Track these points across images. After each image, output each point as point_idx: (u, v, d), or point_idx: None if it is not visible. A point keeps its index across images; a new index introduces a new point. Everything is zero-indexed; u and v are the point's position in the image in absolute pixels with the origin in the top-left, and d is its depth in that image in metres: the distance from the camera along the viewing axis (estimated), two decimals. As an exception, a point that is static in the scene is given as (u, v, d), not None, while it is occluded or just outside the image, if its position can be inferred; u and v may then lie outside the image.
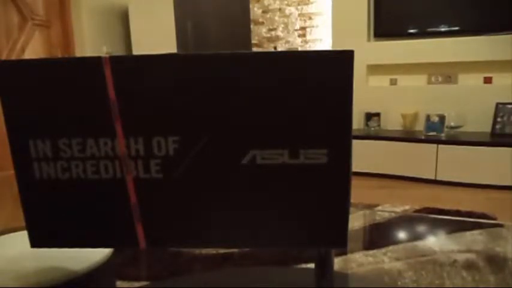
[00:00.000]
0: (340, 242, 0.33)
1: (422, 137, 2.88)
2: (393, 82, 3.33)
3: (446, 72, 3.14)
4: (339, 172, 0.32)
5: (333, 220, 0.32)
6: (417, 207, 0.56)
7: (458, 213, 0.58)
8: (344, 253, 0.47)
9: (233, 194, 0.32)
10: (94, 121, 0.32)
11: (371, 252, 0.47)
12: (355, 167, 3.09)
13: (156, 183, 0.32)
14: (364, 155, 3.04)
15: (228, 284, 0.40)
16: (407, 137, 2.94)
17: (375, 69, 3.36)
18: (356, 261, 0.45)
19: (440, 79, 3.17)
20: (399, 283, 0.40)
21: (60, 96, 0.31)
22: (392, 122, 3.31)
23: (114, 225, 0.33)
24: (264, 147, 0.31)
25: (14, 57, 2.96)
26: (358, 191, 3.00)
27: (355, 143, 3.06)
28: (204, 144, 0.31)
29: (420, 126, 3.17)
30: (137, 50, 3.43)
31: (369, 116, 3.30)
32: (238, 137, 0.31)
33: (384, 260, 0.45)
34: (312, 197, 0.32)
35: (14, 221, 2.21)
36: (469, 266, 0.43)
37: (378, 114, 3.28)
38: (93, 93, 0.31)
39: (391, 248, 0.48)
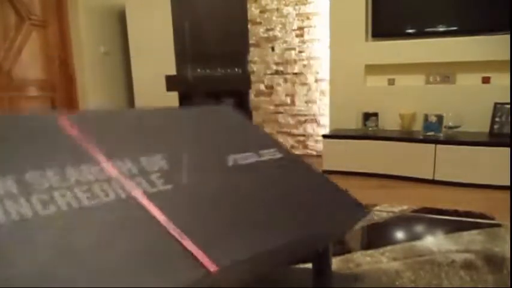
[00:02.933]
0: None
1: (421, 137, 2.89)
2: (391, 82, 3.34)
3: (444, 72, 3.15)
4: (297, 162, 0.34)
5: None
6: (415, 207, 0.56)
7: (456, 213, 0.57)
8: (342, 253, 0.47)
9: (229, 193, 0.33)
10: (67, 154, 0.30)
11: (369, 252, 0.47)
12: (354, 167, 3.09)
13: (168, 195, 0.31)
14: (362, 155, 3.04)
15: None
16: (405, 137, 2.95)
17: (372, 69, 3.36)
18: (354, 261, 0.45)
19: (438, 79, 3.18)
20: (397, 283, 0.40)
21: (22, 144, 0.29)
22: (390, 122, 3.32)
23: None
24: (238, 152, 0.37)
25: (11, 57, 2.95)
26: (356, 190, 3.00)
27: (353, 143, 3.07)
28: (188, 159, 0.34)
29: (418, 126, 3.17)
30: (134, 50, 3.42)
31: (367, 116, 3.30)
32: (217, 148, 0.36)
33: (381, 260, 0.45)
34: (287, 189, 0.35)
35: None
36: (467, 266, 0.43)
37: (375, 114, 3.28)
38: (57, 139, 0.30)
39: (389, 248, 0.48)
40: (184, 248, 0.26)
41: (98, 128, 0.34)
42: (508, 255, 0.44)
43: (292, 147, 4.14)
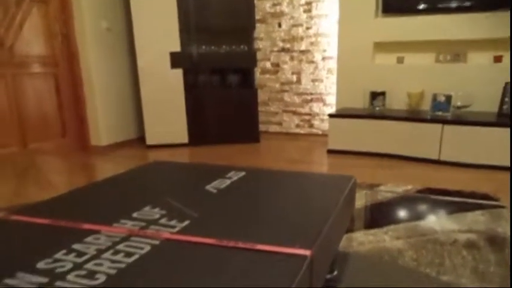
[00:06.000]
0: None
1: (428, 117, 2.85)
2: (400, 60, 3.27)
3: (455, 51, 3.07)
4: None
5: None
6: (419, 187, 0.56)
7: (460, 193, 0.57)
8: (346, 231, 0.47)
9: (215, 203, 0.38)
10: (59, 239, 0.30)
11: (372, 231, 0.47)
12: (359, 147, 3.08)
13: (194, 226, 0.32)
14: (368, 135, 3.02)
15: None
16: (413, 116, 2.92)
17: (381, 46, 3.28)
18: (357, 240, 0.45)
19: (448, 57, 3.11)
20: (399, 261, 0.40)
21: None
22: (397, 101, 3.28)
23: None
24: (210, 182, 0.44)
25: (11, 34, 2.92)
26: (361, 170, 3.00)
27: (359, 122, 3.04)
28: (177, 201, 0.37)
29: (426, 105, 3.13)
30: (137, 25, 3.37)
31: (374, 95, 3.26)
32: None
33: (384, 238, 0.45)
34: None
35: (17, 198, 2.25)
36: (470, 245, 0.44)
37: (383, 93, 3.24)
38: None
39: (392, 227, 0.48)
40: (268, 251, 0.26)
41: (65, 209, 0.36)
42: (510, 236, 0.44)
43: (298, 126, 4.13)
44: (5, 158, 2.89)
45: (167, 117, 3.53)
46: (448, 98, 2.90)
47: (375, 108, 3.24)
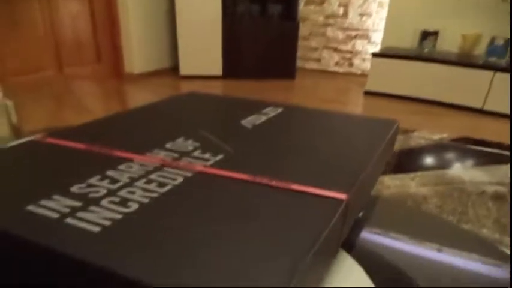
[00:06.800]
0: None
1: (480, 62, 2.63)
2: (460, -4, 2.94)
3: (527, -13, 2.70)
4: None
5: None
6: (456, 136, 0.54)
7: (499, 145, 0.55)
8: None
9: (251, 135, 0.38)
10: (93, 165, 0.29)
11: (399, 176, 0.48)
12: (400, 90, 2.95)
13: (228, 161, 0.31)
14: (410, 78, 2.86)
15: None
16: (463, 61, 2.70)
17: (441, -21, 2.95)
18: (383, 184, 0.47)
19: (517, -5, 2.75)
20: (422, 207, 0.42)
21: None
22: (450, 43, 3.02)
23: None
24: (246, 117, 0.42)
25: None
26: (399, 115, 2.92)
27: (404, 63, 2.87)
28: (212, 135, 0.36)
29: (481, 49, 2.87)
30: None
31: (425, 35, 3.01)
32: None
33: (410, 184, 0.46)
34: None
35: (55, 120, 2.39)
36: (497, 197, 0.44)
37: (435, 33, 2.98)
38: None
39: (419, 173, 0.49)
40: (303, 192, 0.26)
41: (100, 135, 0.35)
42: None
43: (337, 64, 3.96)
44: (42, 82, 3.00)
45: (202, 47, 3.48)
46: (507, 43, 2.63)
47: (424, 49, 3.02)
